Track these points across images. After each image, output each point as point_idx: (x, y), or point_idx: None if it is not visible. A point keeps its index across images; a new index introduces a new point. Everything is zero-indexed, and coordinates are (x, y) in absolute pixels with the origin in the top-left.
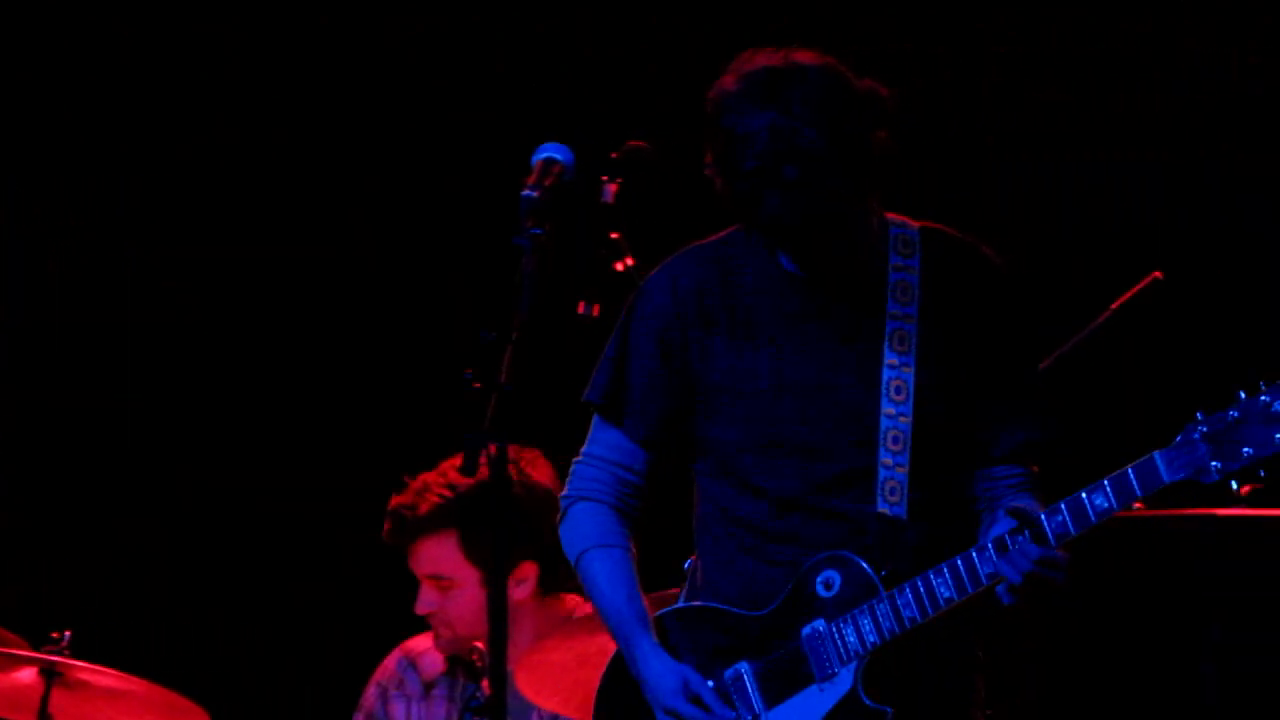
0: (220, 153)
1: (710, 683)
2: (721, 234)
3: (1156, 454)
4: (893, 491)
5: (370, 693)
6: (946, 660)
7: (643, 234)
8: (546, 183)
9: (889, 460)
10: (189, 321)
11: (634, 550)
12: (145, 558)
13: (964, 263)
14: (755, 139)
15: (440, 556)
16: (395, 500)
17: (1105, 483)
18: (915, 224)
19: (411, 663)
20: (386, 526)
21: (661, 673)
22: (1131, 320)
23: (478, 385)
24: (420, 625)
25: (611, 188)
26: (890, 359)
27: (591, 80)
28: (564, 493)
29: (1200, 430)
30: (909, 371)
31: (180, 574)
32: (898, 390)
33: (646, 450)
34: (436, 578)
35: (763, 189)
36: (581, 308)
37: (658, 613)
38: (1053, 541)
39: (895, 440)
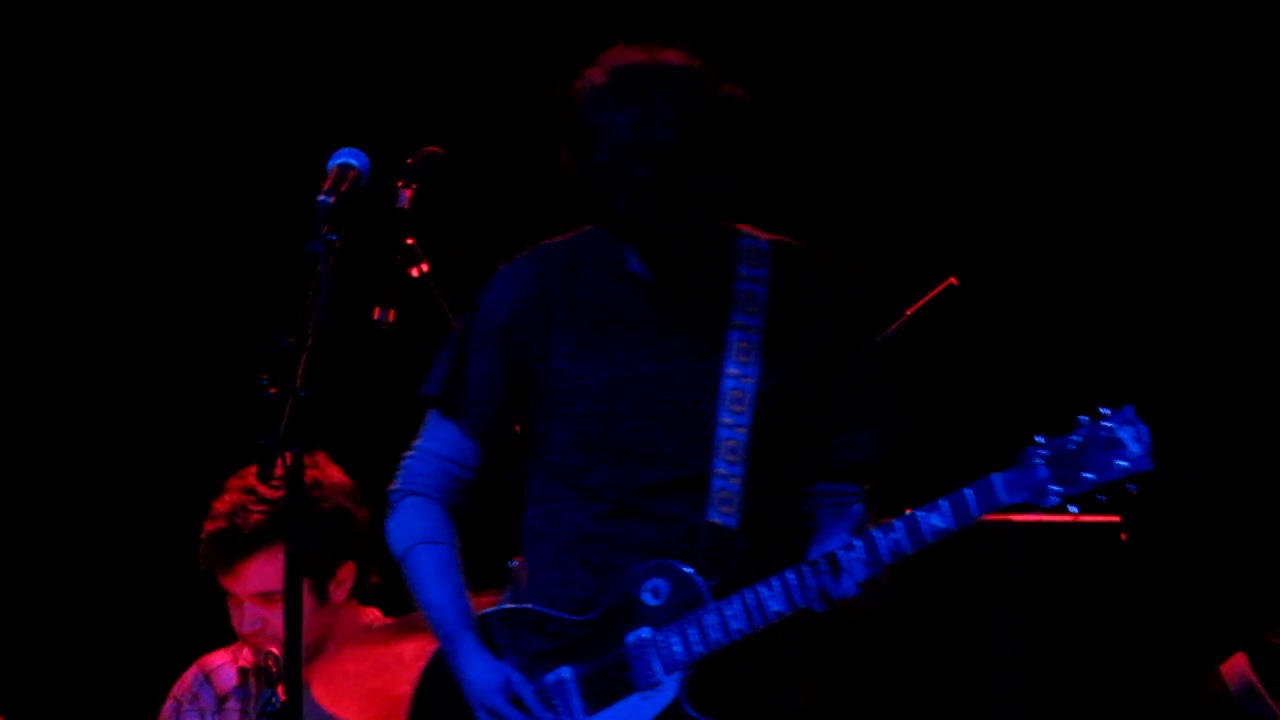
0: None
1: (532, 686)
2: (573, 232)
3: (995, 476)
4: (725, 501)
5: (166, 707)
6: (772, 671)
7: (438, 239)
8: (342, 188)
9: (724, 470)
10: None
11: (460, 547)
12: None
13: (813, 278)
14: (612, 134)
15: (271, 572)
16: (211, 525)
17: (942, 503)
18: (766, 236)
19: (207, 678)
20: (204, 552)
21: (484, 672)
22: (927, 326)
23: (273, 391)
24: (220, 640)
25: (407, 193)
26: (731, 369)
27: (387, 86)
28: (393, 486)
29: (1041, 454)
30: (750, 382)
31: None
32: (737, 400)
33: (481, 446)
34: (267, 594)
35: (614, 184)
36: (377, 313)
37: (481, 613)
38: (886, 559)
39: (732, 450)
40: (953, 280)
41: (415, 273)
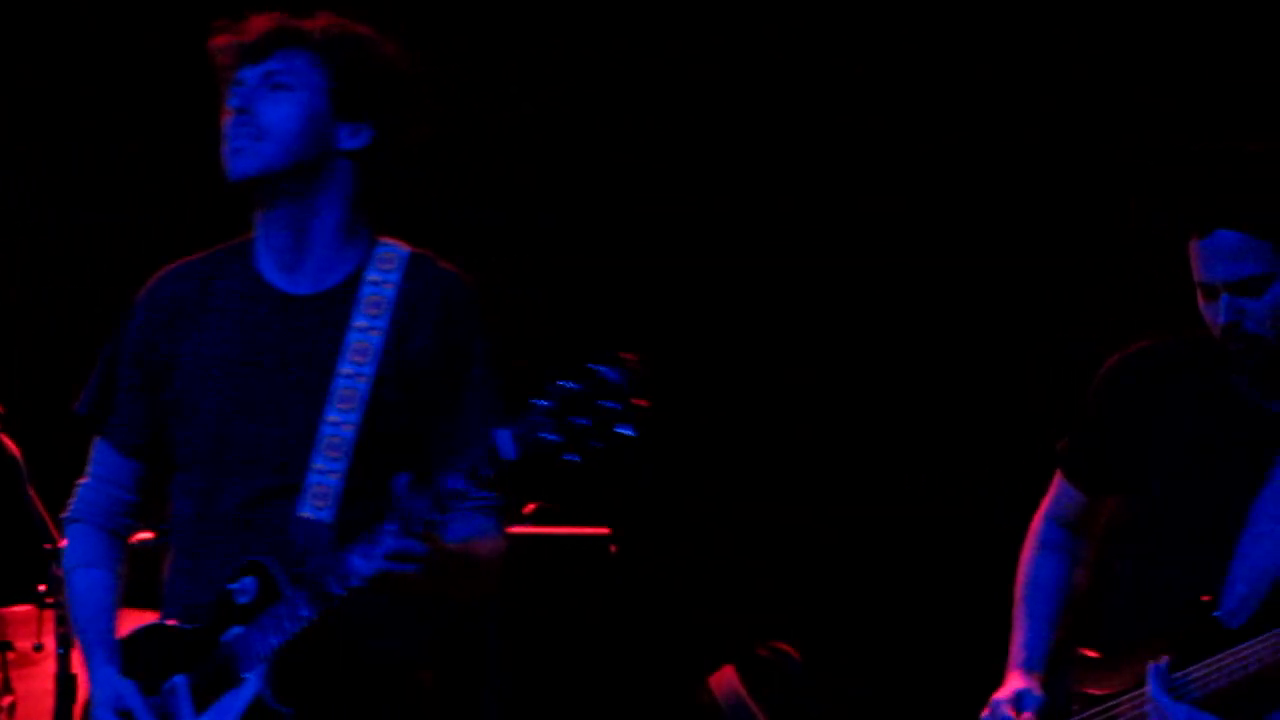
0: None
1: (155, 698)
2: (225, 245)
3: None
4: (320, 496)
5: None
6: (365, 662)
7: None
8: None
9: (322, 466)
10: None
11: (122, 568)
12: None
13: (442, 289)
14: (243, 83)
15: None
16: None
17: (461, 465)
18: (408, 248)
19: None
20: None
21: (100, 687)
22: None
23: None
24: None
25: None
26: (345, 369)
27: None
28: (64, 514)
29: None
30: (364, 382)
31: None
32: (345, 399)
33: (134, 462)
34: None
35: (239, 130)
36: None
37: (130, 631)
38: (418, 528)
39: (333, 447)
40: None
41: None
